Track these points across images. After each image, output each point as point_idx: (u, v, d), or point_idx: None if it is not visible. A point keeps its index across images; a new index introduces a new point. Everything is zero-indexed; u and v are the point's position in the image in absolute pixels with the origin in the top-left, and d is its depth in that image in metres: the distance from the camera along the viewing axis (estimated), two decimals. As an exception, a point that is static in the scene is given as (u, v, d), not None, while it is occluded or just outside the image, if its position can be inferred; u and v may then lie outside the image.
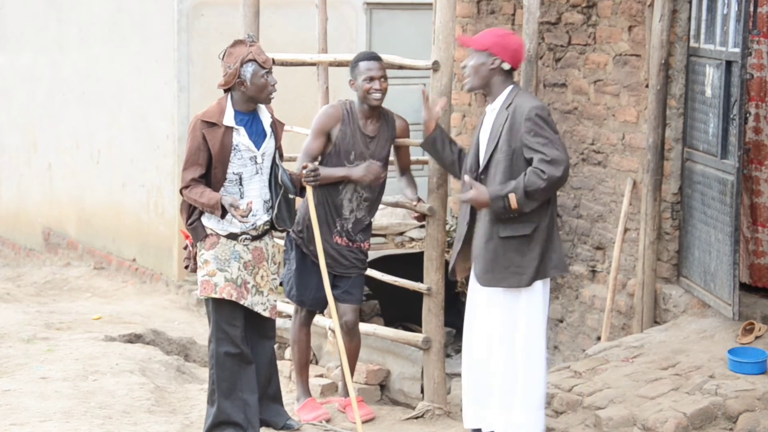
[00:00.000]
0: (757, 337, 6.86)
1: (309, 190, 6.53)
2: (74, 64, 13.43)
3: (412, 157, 7.23)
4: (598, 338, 7.99)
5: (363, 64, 6.85)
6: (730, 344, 6.83)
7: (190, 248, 6.43)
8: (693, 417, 6.05)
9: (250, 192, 6.29)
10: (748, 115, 7.19)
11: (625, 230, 7.84)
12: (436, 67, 6.98)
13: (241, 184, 6.27)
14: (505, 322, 6.06)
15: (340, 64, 7.68)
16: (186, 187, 6.22)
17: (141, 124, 12.33)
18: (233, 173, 6.25)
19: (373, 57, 6.90)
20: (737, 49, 6.73)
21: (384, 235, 8.60)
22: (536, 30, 7.43)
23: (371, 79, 6.82)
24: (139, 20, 12.30)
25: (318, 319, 7.67)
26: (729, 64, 6.86)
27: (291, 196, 6.41)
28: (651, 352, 6.98)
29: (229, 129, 6.25)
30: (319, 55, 7.95)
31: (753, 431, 5.99)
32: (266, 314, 6.40)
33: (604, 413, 6.24)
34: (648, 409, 6.17)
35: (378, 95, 6.82)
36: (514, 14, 8.89)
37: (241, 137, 6.25)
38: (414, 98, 12.20)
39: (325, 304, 7.34)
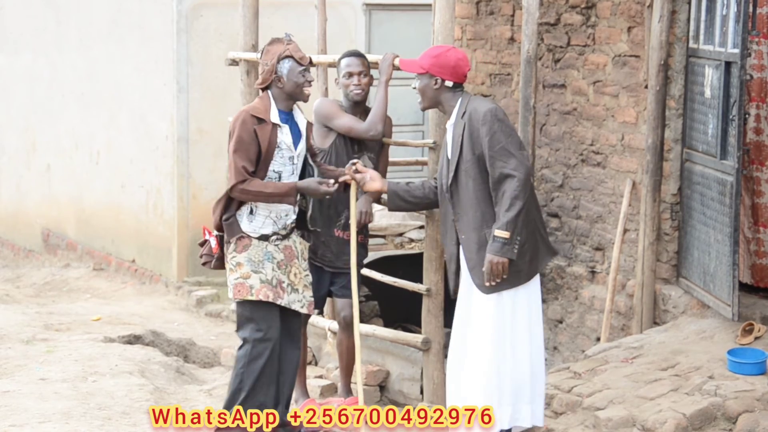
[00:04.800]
0: (756, 338, 6.86)
1: (353, 187, 6.49)
2: (73, 64, 13.43)
3: (412, 158, 7.26)
4: (598, 339, 7.99)
5: (343, 61, 7.02)
6: (729, 345, 6.83)
7: (211, 244, 6.38)
8: (692, 418, 6.05)
9: None
10: (747, 116, 7.19)
11: (625, 231, 7.84)
12: (435, 67, 6.98)
13: None
14: (507, 320, 6.07)
15: (339, 65, 7.69)
16: (243, 180, 6.15)
17: (140, 125, 12.33)
18: (273, 171, 6.23)
19: (354, 54, 7.06)
20: (736, 50, 6.73)
21: (383, 236, 8.59)
22: (535, 31, 7.44)
23: (350, 74, 6.96)
24: (139, 21, 12.30)
25: (317, 319, 7.67)
26: (728, 64, 6.85)
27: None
28: (650, 353, 6.98)
29: (276, 126, 6.23)
30: (319, 56, 7.95)
31: (752, 432, 6.00)
32: (304, 311, 6.39)
33: (604, 414, 6.24)
34: (647, 410, 6.17)
35: (357, 90, 6.94)
36: (513, 15, 8.89)
37: (284, 135, 6.25)
38: (413, 99, 12.24)
39: (324, 303, 7.36)
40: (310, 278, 6.45)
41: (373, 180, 6.47)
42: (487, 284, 6.00)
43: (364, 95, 6.99)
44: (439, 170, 6.30)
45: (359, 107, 7.02)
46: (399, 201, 6.50)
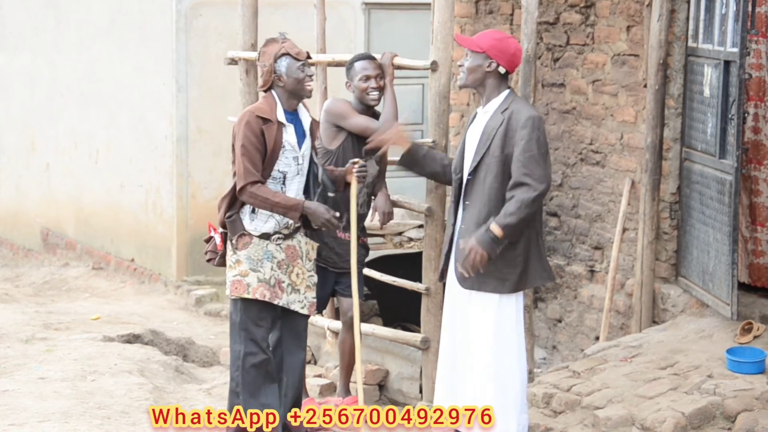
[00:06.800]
0: (755, 337, 6.86)
1: (354, 186, 6.48)
2: (73, 64, 13.43)
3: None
4: (597, 338, 7.99)
5: (358, 64, 6.97)
6: (728, 344, 6.83)
7: (216, 241, 6.36)
8: (691, 417, 6.05)
9: (291, 191, 6.27)
10: (746, 114, 7.19)
11: (624, 230, 7.84)
12: (434, 67, 6.99)
13: (284, 183, 6.24)
14: (484, 323, 6.06)
15: (338, 64, 7.70)
16: (253, 183, 6.13)
17: (139, 125, 12.34)
18: (279, 171, 6.22)
19: (368, 57, 7.06)
20: (735, 49, 6.73)
21: (382, 235, 8.60)
22: (534, 30, 7.43)
23: (367, 78, 6.93)
24: (138, 20, 12.31)
25: (316, 319, 7.68)
26: (727, 63, 6.85)
27: (330, 194, 6.40)
28: (649, 352, 6.98)
29: (281, 125, 6.23)
30: (318, 55, 7.96)
31: (751, 431, 5.99)
32: (304, 312, 6.36)
33: (603, 413, 6.24)
34: (646, 409, 6.17)
35: (375, 93, 6.92)
36: (512, 14, 8.89)
37: (288, 135, 6.24)
38: (412, 98, 12.25)
39: (327, 303, 7.36)
40: (314, 279, 6.42)
41: (400, 137, 6.55)
42: (461, 270, 5.99)
43: (380, 98, 6.99)
44: (457, 153, 6.26)
45: (371, 109, 7.03)
46: (411, 162, 6.57)
